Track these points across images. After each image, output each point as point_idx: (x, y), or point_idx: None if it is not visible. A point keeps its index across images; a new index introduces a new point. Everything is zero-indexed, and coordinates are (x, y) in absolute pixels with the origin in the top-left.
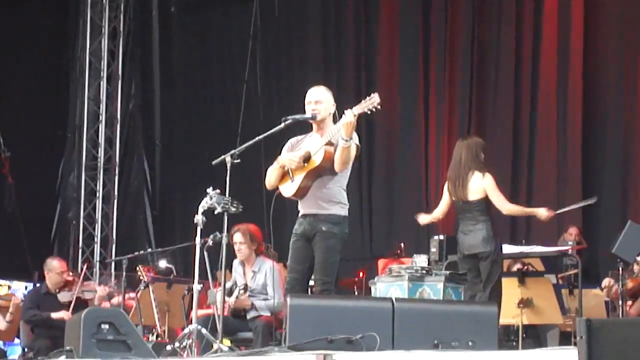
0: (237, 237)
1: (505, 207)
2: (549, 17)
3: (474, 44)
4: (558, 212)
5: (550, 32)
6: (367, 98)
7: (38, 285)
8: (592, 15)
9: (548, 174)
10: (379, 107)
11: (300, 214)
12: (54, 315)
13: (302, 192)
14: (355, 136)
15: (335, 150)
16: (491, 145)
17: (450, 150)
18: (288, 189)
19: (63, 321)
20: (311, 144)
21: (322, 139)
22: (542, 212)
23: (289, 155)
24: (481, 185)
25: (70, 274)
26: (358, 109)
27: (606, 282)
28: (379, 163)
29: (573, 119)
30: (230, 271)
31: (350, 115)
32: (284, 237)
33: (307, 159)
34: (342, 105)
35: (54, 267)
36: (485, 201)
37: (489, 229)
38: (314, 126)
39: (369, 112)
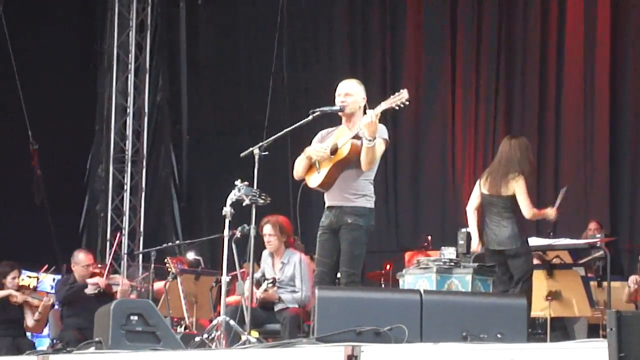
0: (267, 229)
1: (530, 213)
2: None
3: (501, 33)
4: (556, 205)
5: (576, 19)
6: (396, 93)
7: (66, 276)
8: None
9: (574, 165)
10: (407, 103)
11: (326, 206)
12: (89, 280)
13: (327, 183)
14: (383, 130)
15: (362, 143)
16: None
17: (477, 143)
18: (314, 180)
19: (98, 287)
20: (339, 135)
21: (351, 132)
22: (550, 212)
23: (315, 146)
24: (514, 186)
25: (99, 266)
26: (385, 105)
27: (633, 279)
28: (405, 155)
29: (600, 107)
30: (258, 263)
31: (371, 116)
32: (311, 229)
33: (334, 150)
34: (368, 94)
35: (80, 261)
36: (513, 199)
37: (514, 226)
38: (344, 119)
39: (397, 108)
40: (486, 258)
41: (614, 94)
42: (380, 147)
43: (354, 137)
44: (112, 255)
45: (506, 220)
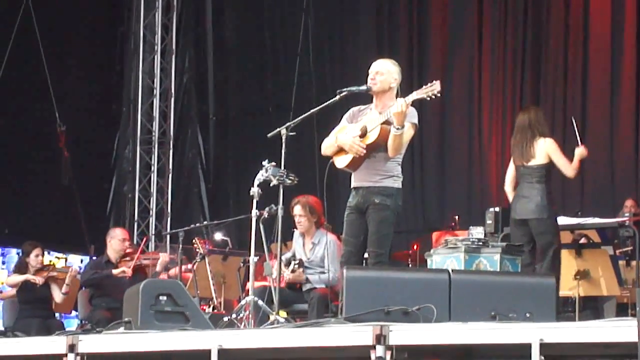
0: (297, 210)
1: (572, 170)
2: None
3: (527, 14)
4: (579, 142)
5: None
6: (429, 84)
7: (98, 258)
8: None
9: (600, 144)
10: (438, 95)
11: (352, 186)
12: (115, 271)
13: (355, 165)
14: (413, 114)
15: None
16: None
17: (504, 122)
18: (341, 161)
19: (125, 276)
20: (369, 119)
21: (380, 116)
22: (581, 152)
23: (350, 139)
24: (544, 150)
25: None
26: (417, 95)
27: None
28: (431, 134)
29: (627, 88)
30: (285, 244)
31: (401, 105)
32: (339, 210)
33: (363, 134)
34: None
35: (117, 234)
36: (546, 168)
37: (544, 197)
38: (374, 98)
39: (427, 99)
40: (511, 229)
41: None
42: (408, 132)
43: (383, 123)
44: (144, 241)
45: (536, 190)
